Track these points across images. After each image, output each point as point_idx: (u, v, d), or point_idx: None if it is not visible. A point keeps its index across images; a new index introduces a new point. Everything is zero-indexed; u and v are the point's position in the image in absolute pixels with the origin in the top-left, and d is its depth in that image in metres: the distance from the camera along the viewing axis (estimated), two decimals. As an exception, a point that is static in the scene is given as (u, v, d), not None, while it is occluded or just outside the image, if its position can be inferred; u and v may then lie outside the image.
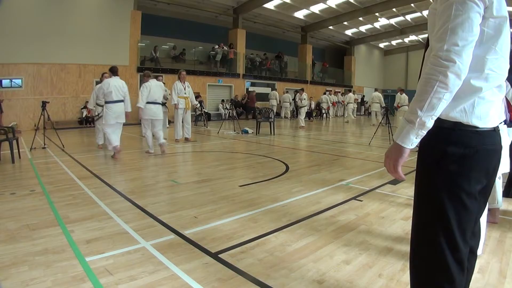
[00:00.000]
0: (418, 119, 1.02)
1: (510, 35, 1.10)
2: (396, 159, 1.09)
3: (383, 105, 15.01)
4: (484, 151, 1.10)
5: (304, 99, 12.76)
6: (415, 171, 1.24)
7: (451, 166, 1.09)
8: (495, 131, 1.12)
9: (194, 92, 8.68)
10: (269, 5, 16.23)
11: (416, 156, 1.20)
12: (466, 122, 1.07)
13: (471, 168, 1.10)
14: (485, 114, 1.08)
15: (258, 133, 10.01)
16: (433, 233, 1.16)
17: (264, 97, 18.25)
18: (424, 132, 1.05)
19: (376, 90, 15.36)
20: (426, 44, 1.29)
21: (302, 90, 13.41)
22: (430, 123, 1.03)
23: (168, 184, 4.07)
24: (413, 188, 1.25)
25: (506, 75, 1.12)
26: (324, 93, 18.22)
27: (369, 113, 16.47)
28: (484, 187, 1.17)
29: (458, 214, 1.12)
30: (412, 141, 1.05)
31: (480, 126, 1.08)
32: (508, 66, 1.12)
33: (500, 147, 1.15)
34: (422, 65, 1.28)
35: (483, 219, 2.12)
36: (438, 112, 1.03)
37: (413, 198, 1.26)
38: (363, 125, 14.50)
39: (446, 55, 0.99)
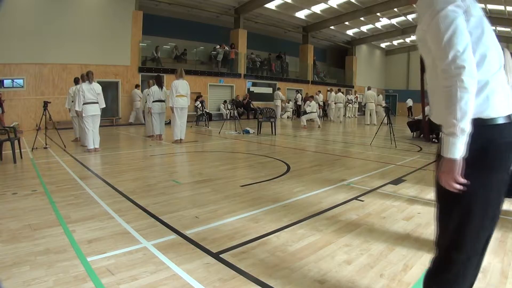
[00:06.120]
0: (457, 128, 1.08)
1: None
2: (453, 172, 1.12)
3: (378, 103, 14.88)
4: (504, 144, 1.15)
5: (310, 106, 12.22)
6: (433, 172, 1.26)
7: (476, 162, 1.13)
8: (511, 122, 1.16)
9: (195, 92, 8.66)
10: (270, 5, 16.21)
11: (435, 157, 1.22)
12: (485, 116, 1.12)
13: (495, 161, 1.15)
14: (498, 105, 1.14)
15: (260, 133, 10.01)
16: (471, 233, 1.20)
17: (264, 97, 18.26)
18: (466, 137, 1.09)
19: (369, 88, 15.12)
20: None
21: (312, 97, 12.93)
22: (468, 127, 1.08)
23: (169, 184, 4.08)
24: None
25: (503, 63, 1.20)
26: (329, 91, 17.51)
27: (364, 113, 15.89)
28: (505, 180, 1.21)
29: (485, 210, 1.18)
30: (460, 150, 1.09)
31: (495, 117, 1.13)
32: (502, 56, 1.20)
33: None
34: (422, 67, 1.31)
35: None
36: (471, 114, 1.08)
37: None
38: (374, 127, 13.53)
39: (454, 64, 1.07)
